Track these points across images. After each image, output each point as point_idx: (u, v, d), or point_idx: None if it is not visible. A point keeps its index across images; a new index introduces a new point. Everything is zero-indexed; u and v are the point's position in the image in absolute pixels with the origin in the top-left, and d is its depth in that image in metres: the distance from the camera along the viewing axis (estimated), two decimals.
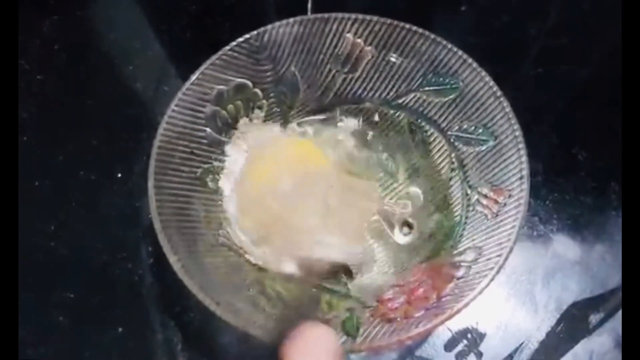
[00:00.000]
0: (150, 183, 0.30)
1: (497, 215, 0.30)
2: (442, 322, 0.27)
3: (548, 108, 0.45)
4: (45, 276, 0.37)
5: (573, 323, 0.35)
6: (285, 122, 0.38)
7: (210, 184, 0.34)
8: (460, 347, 0.34)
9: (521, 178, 0.30)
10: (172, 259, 0.28)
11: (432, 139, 0.36)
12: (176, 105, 0.33)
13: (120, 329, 0.35)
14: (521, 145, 0.31)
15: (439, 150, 0.36)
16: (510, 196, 0.30)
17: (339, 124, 0.38)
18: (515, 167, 0.31)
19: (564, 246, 0.38)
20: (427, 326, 0.26)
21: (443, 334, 0.35)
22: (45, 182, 0.40)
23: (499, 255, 0.28)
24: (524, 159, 0.30)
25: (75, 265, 0.37)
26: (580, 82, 0.46)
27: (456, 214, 0.34)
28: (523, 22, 0.49)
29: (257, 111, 0.37)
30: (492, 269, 0.27)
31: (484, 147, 0.33)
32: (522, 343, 0.34)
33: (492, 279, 0.27)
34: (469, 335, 0.35)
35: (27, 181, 0.40)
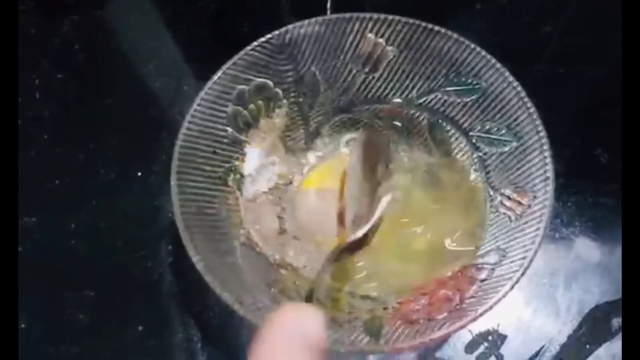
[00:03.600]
0: (173, 182, 0.30)
1: (521, 217, 0.30)
2: (465, 325, 0.26)
3: (569, 109, 0.44)
4: (65, 274, 0.37)
5: (595, 326, 0.35)
6: (306, 124, 0.38)
7: (231, 183, 0.34)
8: (481, 349, 0.34)
9: (546, 179, 0.30)
10: (195, 258, 0.28)
11: (453, 139, 0.36)
12: (198, 105, 0.33)
13: (140, 328, 0.35)
14: (546, 147, 0.30)
15: (460, 151, 0.36)
16: (534, 198, 0.30)
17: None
18: (540, 168, 0.30)
19: (586, 249, 0.38)
20: (450, 329, 0.26)
21: (463, 335, 0.34)
22: (65, 180, 0.41)
23: (524, 258, 0.27)
24: (549, 160, 0.30)
25: (95, 264, 0.37)
26: (601, 82, 0.46)
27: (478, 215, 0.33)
28: (541, 21, 0.48)
29: (277, 111, 0.37)
30: (516, 271, 0.27)
31: (507, 148, 0.33)
32: (543, 346, 0.34)
33: (516, 282, 0.27)
34: (490, 338, 0.34)
35: (48, 180, 0.40)
